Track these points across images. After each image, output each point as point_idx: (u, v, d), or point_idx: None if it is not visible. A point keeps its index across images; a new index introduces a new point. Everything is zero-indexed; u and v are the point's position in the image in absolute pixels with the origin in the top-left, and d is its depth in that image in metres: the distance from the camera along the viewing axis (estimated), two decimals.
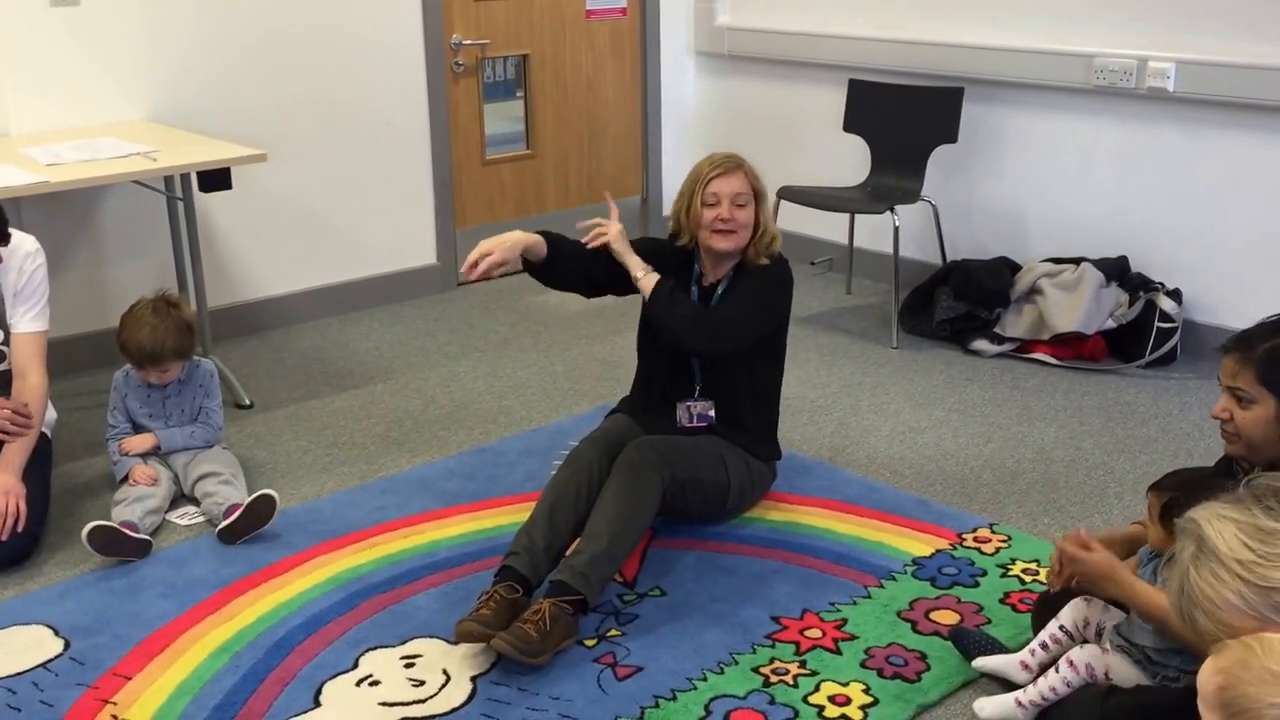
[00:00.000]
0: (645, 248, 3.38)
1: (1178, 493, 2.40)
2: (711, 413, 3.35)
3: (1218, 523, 1.82)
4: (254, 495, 3.34)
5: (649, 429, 3.31)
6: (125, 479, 3.48)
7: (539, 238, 3.22)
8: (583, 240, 3.32)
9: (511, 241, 3.16)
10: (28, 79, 4.30)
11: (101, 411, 3.63)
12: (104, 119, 4.45)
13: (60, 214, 4.37)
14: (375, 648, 2.85)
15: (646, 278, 3.26)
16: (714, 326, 3.21)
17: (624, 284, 3.35)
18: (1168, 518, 2.40)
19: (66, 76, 4.37)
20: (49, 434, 3.56)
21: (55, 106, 4.36)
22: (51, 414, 3.60)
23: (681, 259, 3.38)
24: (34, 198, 3.71)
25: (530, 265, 3.26)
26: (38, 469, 3.37)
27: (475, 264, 3.11)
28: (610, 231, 3.31)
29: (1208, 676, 1.63)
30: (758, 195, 3.29)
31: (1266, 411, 2.36)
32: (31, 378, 3.37)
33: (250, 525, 3.30)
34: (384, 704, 2.65)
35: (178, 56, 4.58)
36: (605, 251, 3.31)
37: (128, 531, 3.22)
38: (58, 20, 4.31)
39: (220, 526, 3.32)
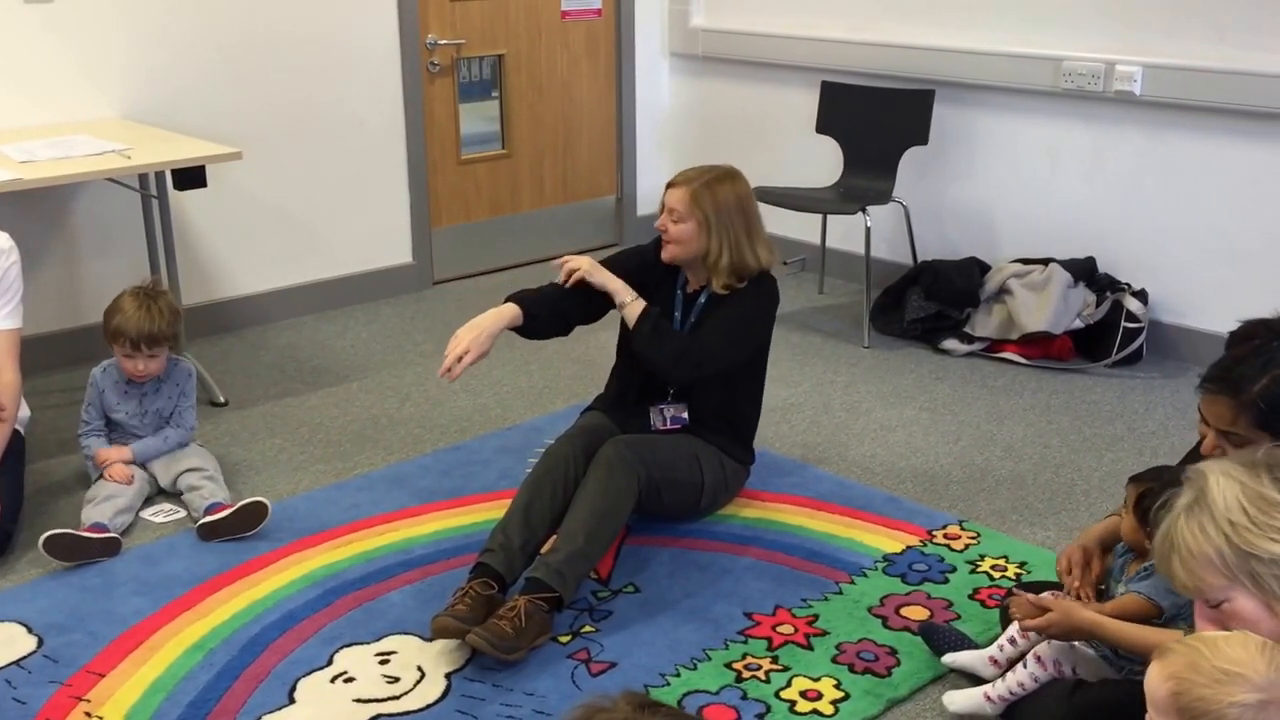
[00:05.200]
0: (630, 260, 3.41)
1: (1155, 484, 2.43)
2: (685, 415, 3.37)
3: (1224, 480, 1.83)
4: (248, 500, 3.34)
5: (624, 427, 3.34)
6: (100, 475, 3.47)
7: (514, 309, 3.24)
8: (559, 281, 3.32)
9: (488, 332, 3.17)
10: (1, 76, 4.29)
11: (75, 409, 3.63)
12: (78, 116, 4.44)
13: (34, 211, 4.35)
14: (350, 644, 2.86)
15: (633, 304, 3.25)
16: (696, 361, 3.21)
17: (596, 315, 3.39)
18: (1141, 507, 2.44)
19: (40, 74, 4.36)
20: (22, 431, 3.55)
21: (29, 104, 4.35)
22: (25, 411, 3.60)
23: (666, 269, 3.39)
24: (7, 195, 3.69)
25: (510, 329, 3.27)
26: (11, 466, 3.37)
27: (451, 368, 3.12)
28: (582, 265, 3.30)
29: (1157, 683, 1.63)
30: (702, 220, 3.23)
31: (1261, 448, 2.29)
32: (4, 375, 3.36)
33: (235, 527, 3.30)
34: (358, 700, 2.66)
35: (153, 54, 4.57)
36: (578, 289, 3.30)
37: (89, 534, 3.21)
38: (31, 17, 4.30)
39: (201, 522, 3.32)
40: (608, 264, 3.37)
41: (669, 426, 3.36)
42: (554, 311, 3.33)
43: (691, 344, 3.24)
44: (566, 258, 3.33)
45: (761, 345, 3.42)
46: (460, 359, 3.12)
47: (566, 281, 3.30)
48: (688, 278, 3.39)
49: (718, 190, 3.25)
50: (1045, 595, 2.60)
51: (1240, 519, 1.79)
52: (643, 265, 3.40)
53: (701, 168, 3.31)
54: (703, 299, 3.34)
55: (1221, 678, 1.58)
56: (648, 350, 3.24)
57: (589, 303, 3.34)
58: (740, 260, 3.26)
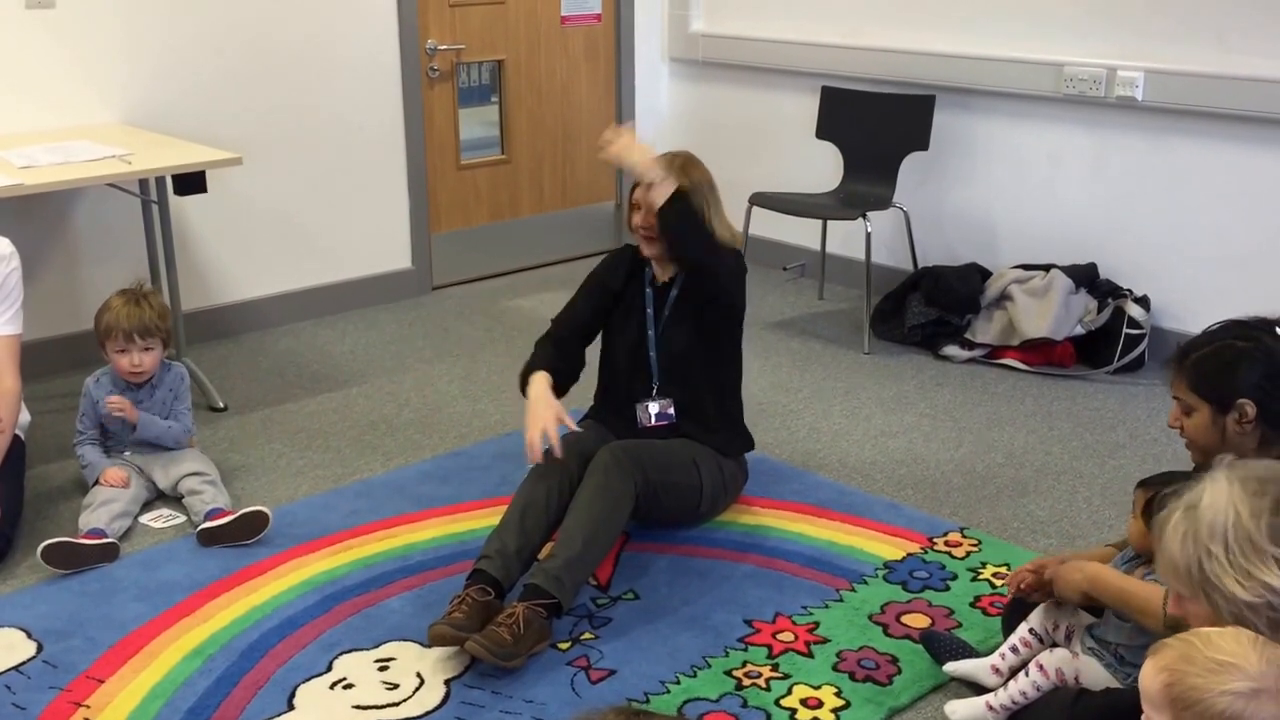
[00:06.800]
0: (592, 293, 3.46)
1: (1164, 488, 2.43)
2: (671, 410, 3.37)
3: (1224, 500, 1.79)
4: (250, 509, 3.33)
5: (618, 433, 3.33)
6: (96, 482, 3.46)
7: (545, 372, 3.30)
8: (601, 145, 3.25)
9: (554, 412, 3.17)
10: (2, 81, 4.28)
11: (75, 414, 3.62)
12: (79, 121, 4.43)
13: (34, 216, 4.35)
14: (349, 651, 2.85)
15: (663, 185, 3.15)
16: (716, 245, 3.25)
17: (581, 366, 3.48)
18: (1149, 514, 2.43)
19: (41, 79, 4.36)
20: (22, 436, 3.54)
21: (30, 109, 4.35)
22: (25, 416, 3.59)
23: (630, 268, 3.43)
24: (8, 200, 3.69)
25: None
26: (11, 471, 3.36)
27: (538, 443, 3.12)
28: (620, 144, 3.16)
29: (1151, 676, 1.63)
30: None
31: (1204, 417, 2.44)
32: (5, 381, 3.36)
33: (235, 535, 3.30)
34: (358, 707, 2.66)
35: (153, 59, 4.57)
36: (564, 349, 3.40)
37: (87, 541, 3.20)
38: (33, 22, 4.30)
39: (201, 528, 3.31)
40: (575, 304, 3.46)
41: (655, 423, 3.37)
42: (570, 361, 3.44)
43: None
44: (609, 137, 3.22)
45: (738, 322, 3.43)
46: (544, 432, 3.12)
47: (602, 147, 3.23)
48: (654, 273, 3.41)
49: (691, 172, 3.31)
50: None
51: (1218, 550, 1.77)
52: (604, 288, 3.45)
53: (665, 156, 3.33)
54: (675, 291, 3.37)
55: (1214, 668, 1.59)
56: (682, 227, 3.18)
57: (591, 335, 3.45)
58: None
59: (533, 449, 3.11)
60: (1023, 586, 2.60)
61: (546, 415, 3.15)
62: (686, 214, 3.18)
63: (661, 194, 3.15)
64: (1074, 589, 2.44)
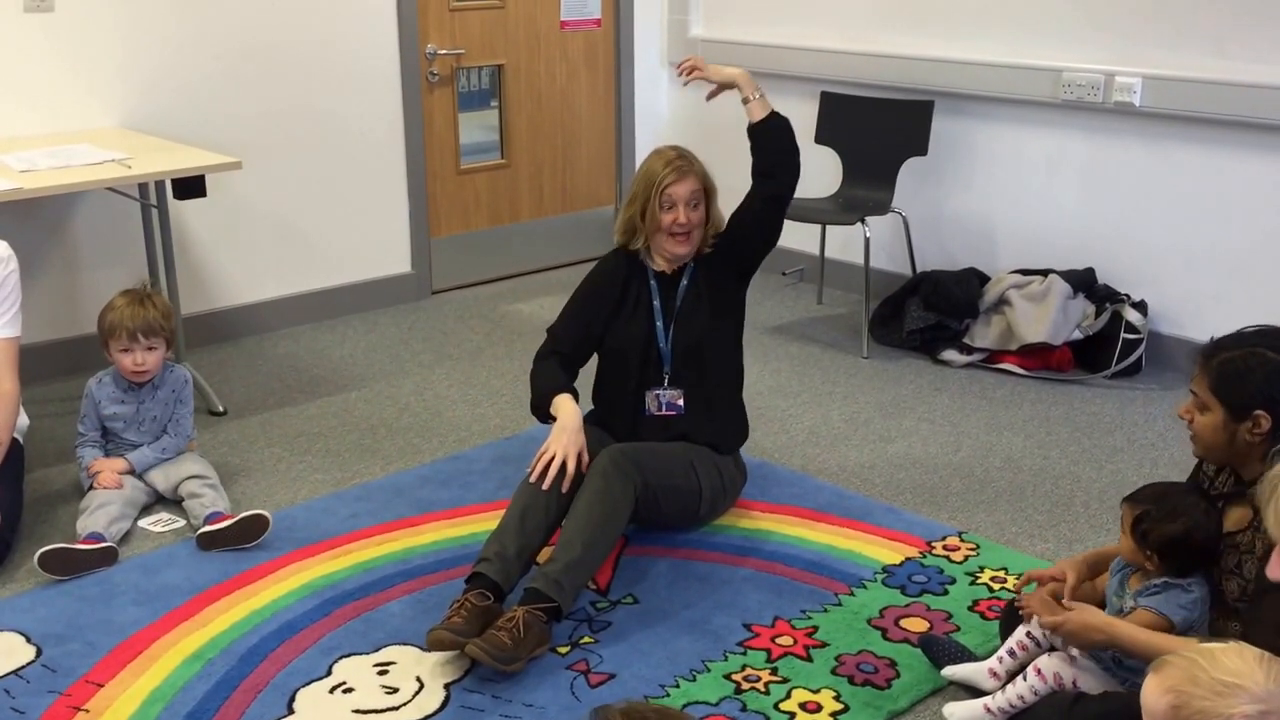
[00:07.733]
0: (585, 307, 3.45)
1: (1150, 505, 2.44)
2: (680, 402, 3.38)
3: None
4: (249, 513, 3.33)
5: (617, 434, 3.34)
6: (91, 485, 3.46)
7: (570, 395, 3.29)
8: (679, 75, 3.55)
9: (579, 448, 3.14)
10: (1, 84, 4.29)
11: (74, 418, 3.62)
12: (78, 125, 4.44)
13: (33, 220, 4.35)
14: (349, 655, 2.86)
15: (761, 101, 3.45)
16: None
17: (594, 349, 3.48)
18: (1139, 530, 2.44)
19: (41, 83, 4.36)
20: (21, 440, 3.55)
21: (29, 113, 4.35)
22: (24, 420, 3.59)
23: (627, 270, 3.44)
24: (7, 203, 3.70)
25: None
26: (10, 475, 3.36)
27: (555, 469, 3.09)
28: (699, 64, 3.50)
29: (1156, 696, 1.62)
30: (708, 191, 3.38)
31: (1216, 418, 2.43)
32: (3, 384, 3.36)
33: (235, 539, 3.30)
34: (357, 711, 2.66)
35: (153, 63, 4.58)
36: (570, 362, 3.40)
37: (85, 546, 3.20)
38: (32, 26, 4.30)
39: (201, 531, 3.32)
40: (575, 320, 3.44)
41: (664, 412, 3.37)
42: (578, 366, 3.46)
43: None
44: (688, 60, 3.51)
45: (743, 309, 3.49)
46: (564, 464, 3.10)
47: (686, 76, 3.49)
48: (658, 267, 3.43)
49: (699, 162, 3.41)
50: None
51: None
52: (603, 297, 3.44)
53: (672, 149, 3.38)
54: (685, 281, 3.39)
55: (1221, 689, 1.58)
56: (788, 134, 3.42)
57: (577, 373, 3.45)
58: (721, 221, 3.44)
59: (542, 468, 3.08)
60: (1044, 619, 2.57)
61: (572, 448, 3.13)
62: (785, 126, 3.42)
63: (762, 107, 3.43)
64: (1092, 647, 2.43)
